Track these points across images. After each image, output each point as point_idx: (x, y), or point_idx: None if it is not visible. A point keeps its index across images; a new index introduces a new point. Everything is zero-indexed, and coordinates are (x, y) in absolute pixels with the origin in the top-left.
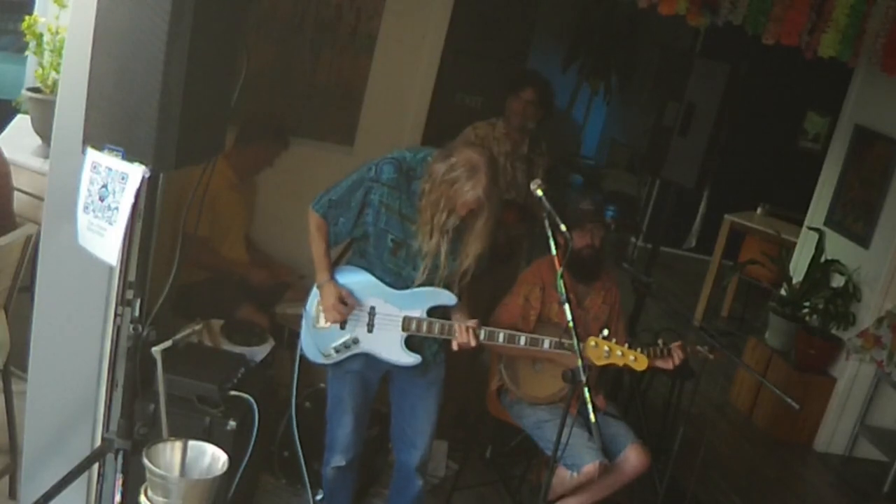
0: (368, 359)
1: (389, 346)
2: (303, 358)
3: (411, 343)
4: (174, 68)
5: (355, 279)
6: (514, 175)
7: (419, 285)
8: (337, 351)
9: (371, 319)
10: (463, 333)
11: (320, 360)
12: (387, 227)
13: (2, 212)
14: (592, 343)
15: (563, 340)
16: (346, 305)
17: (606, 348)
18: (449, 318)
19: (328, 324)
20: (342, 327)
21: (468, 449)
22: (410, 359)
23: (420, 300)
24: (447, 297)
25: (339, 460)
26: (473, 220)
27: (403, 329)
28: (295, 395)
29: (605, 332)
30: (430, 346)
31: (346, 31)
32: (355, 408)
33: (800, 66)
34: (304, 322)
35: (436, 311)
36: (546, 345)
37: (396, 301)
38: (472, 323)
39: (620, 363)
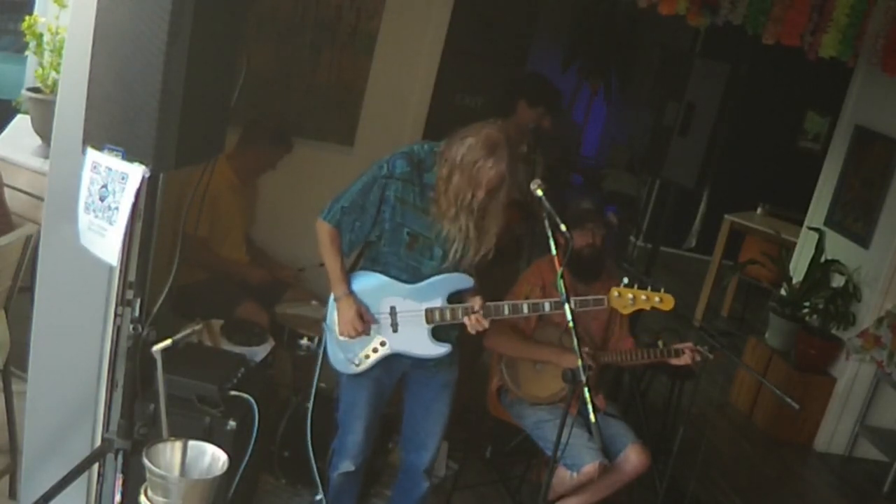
0: (387, 364)
1: (418, 341)
2: (300, 357)
3: (438, 333)
4: (174, 68)
5: (370, 283)
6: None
7: (440, 270)
8: (367, 357)
9: (394, 319)
10: (472, 321)
11: (351, 369)
12: (403, 221)
13: None
14: (615, 293)
15: (576, 298)
16: (363, 322)
17: (630, 296)
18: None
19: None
20: (367, 333)
21: (468, 449)
22: (442, 349)
23: (438, 289)
24: (464, 281)
25: (348, 466)
26: (494, 197)
27: (427, 321)
28: (313, 400)
29: (626, 279)
30: (451, 336)
31: (346, 31)
32: (368, 414)
33: (800, 66)
34: (327, 335)
35: (455, 297)
36: (547, 307)
37: (414, 295)
38: (476, 304)
39: (648, 307)
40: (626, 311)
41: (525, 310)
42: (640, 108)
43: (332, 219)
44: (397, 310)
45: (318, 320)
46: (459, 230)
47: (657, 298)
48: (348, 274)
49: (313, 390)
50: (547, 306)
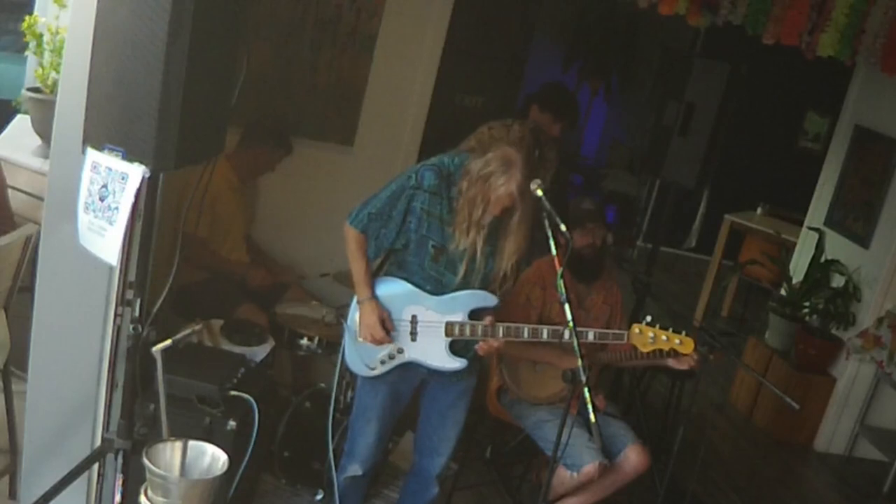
0: (405, 370)
1: (435, 353)
2: (300, 357)
3: (455, 347)
4: (174, 68)
5: (394, 289)
6: None
7: (458, 286)
8: (382, 362)
9: (413, 328)
10: (482, 344)
11: (366, 372)
12: (428, 234)
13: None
14: (637, 330)
15: (597, 330)
16: (383, 328)
17: (651, 334)
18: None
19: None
20: (386, 340)
21: (468, 449)
22: (457, 363)
23: (460, 304)
24: (488, 299)
25: (356, 469)
26: (508, 218)
27: (447, 334)
28: (333, 402)
29: (649, 318)
30: (470, 351)
31: (346, 30)
32: (382, 419)
33: (800, 66)
34: (346, 336)
35: (477, 314)
36: (566, 335)
37: (437, 307)
38: (486, 321)
39: (666, 347)
40: (646, 349)
41: (545, 335)
42: (640, 108)
43: (358, 224)
44: (418, 319)
45: (318, 320)
46: (469, 245)
47: (677, 340)
48: (373, 278)
49: (333, 393)
50: (566, 334)
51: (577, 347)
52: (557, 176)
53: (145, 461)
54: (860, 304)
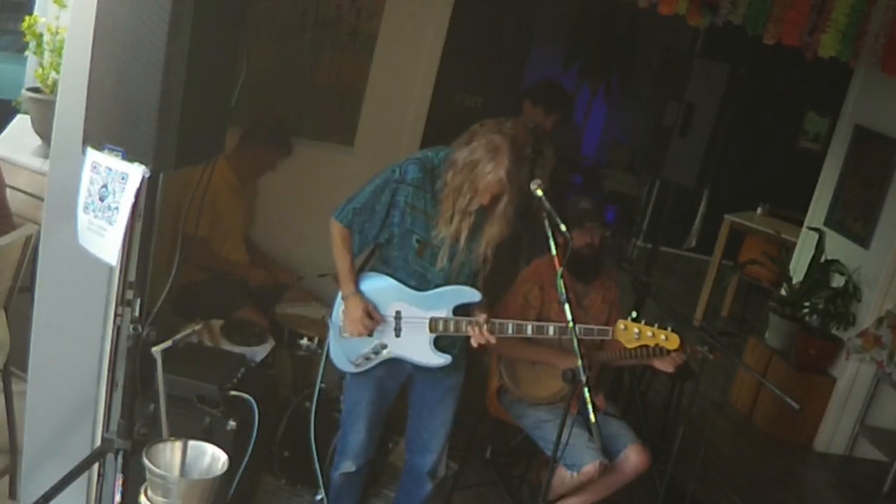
0: (391, 366)
1: (419, 349)
2: (300, 357)
3: (440, 343)
4: (174, 68)
5: (378, 285)
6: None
7: (443, 281)
8: (367, 358)
9: (398, 324)
10: (476, 334)
11: (350, 368)
12: (412, 228)
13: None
14: (622, 326)
15: (582, 326)
16: (371, 320)
17: (636, 330)
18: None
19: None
20: (375, 331)
21: (468, 449)
22: (441, 359)
23: (445, 300)
24: (472, 295)
25: (349, 466)
26: (494, 205)
27: (431, 330)
28: (316, 399)
29: (634, 314)
30: (455, 347)
31: (346, 31)
32: (371, 415)
33: (800, 66)
34: (330, 331)
35: (462, 310)
36: (551, 331)
37: (421, 303)
38: (481, 318)
39: (652, 344)
40: (631, 346)
41: (529, 330)
42: (640, 108)
43: (343, 219)
44: (402, 315)
45: (317, 320)
46: (451, 233)
47: (663, 336)
48: (357, 273)
49: (317, 389)
50: (551, 330)
51: (576, 347)
52: (557, 176)
53: (145, 461)
54: (860, 304)
